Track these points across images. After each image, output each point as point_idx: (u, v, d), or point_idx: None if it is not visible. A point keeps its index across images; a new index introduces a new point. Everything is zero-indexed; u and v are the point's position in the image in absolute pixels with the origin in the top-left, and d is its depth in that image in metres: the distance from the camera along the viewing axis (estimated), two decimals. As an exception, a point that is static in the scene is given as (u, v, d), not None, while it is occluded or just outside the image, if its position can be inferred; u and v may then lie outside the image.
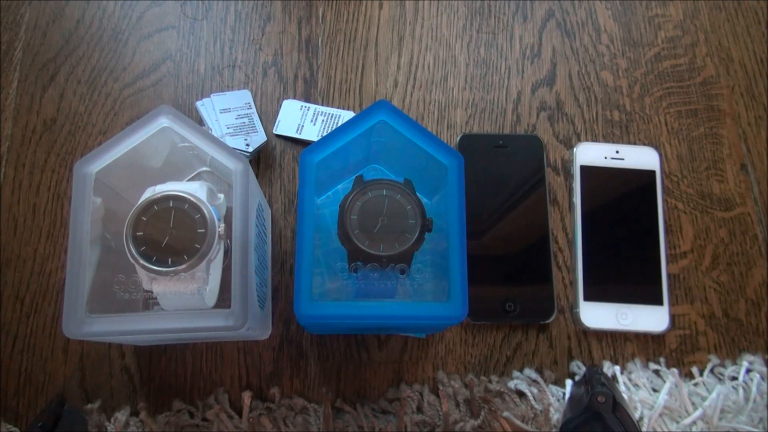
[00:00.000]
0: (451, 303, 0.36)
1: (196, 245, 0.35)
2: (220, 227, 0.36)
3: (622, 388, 0.46)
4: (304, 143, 0.53)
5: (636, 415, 0.45)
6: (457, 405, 0.46)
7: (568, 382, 0.47)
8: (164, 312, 0.37)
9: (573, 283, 0.50)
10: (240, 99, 0.53)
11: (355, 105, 0.55)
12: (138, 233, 0.35)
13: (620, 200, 0.52)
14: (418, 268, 0.39)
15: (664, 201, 0.52)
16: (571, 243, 0.51)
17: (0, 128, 0.52)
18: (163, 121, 0.38)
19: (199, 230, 0.36)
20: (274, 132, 0.53)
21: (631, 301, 0.49)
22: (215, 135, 0.48)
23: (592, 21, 0.58)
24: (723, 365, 0.48)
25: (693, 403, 0.46)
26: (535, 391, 0.46)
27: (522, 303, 0.49)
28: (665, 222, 0.51)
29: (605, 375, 0.43)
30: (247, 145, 0.51)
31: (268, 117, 0.54)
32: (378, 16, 0.58)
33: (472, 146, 0.53)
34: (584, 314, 0.48)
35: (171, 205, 0.36)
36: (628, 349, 0.49)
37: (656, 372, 0.48)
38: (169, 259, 0.35)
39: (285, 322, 0.48)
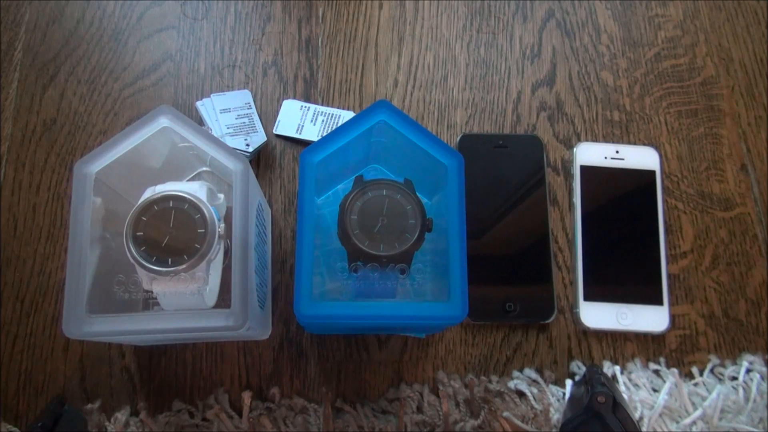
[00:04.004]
0: (451, 303, 0.36)
1: (196, 245, 0.35)
2: (220, 227, 0.36)
3: (622, 388, 0.46)
4: (304, 143, 0.53)
5: (636, 415, 0.45)
6: (457, 405, 0.46)
7: (568, 382, 0.47)
8: (164, 312, 0.37)
9: (573, 283, 0.50)
10: (240, 99, 0.53)
11: (355, 105, 0.55)
12: (138, 233, 0.35)
13: (620, 200, 0.52)
14: (418, 268, 0.39)
15: (664, 201, 0.52)
16: (571, 243, 0.51)
17: (0, 128, 0.52)
18: (163, 121, 0.38)
19: (199, 230, 0.36)
20: (274, 132, 0.53)
21: (631, 301, 0.49)
22: (215, 135, 0.48)
23: (592, 21, 0.58)
24: (723, 365, 0.48)
25: (693, 403, 0.46)
26: (535, 391, 0.46)
27: (522, 303, 0.49)
28: (665, 222, 0.51)
29: (605, 375, 0.43)
30: (247, 145, 0.51)
31: (268, 117, 0.54)
32: (378, 16, 0.58)
33: (472, 146, 0.53)
34: (584, 314, 0.48)
35: (171, 205, 0.36)
36: (628, 349, 0.49)
37: (656, 372, 0.48)
38: (169, 259, 0.35)
39: (285, 322, 0.48)
